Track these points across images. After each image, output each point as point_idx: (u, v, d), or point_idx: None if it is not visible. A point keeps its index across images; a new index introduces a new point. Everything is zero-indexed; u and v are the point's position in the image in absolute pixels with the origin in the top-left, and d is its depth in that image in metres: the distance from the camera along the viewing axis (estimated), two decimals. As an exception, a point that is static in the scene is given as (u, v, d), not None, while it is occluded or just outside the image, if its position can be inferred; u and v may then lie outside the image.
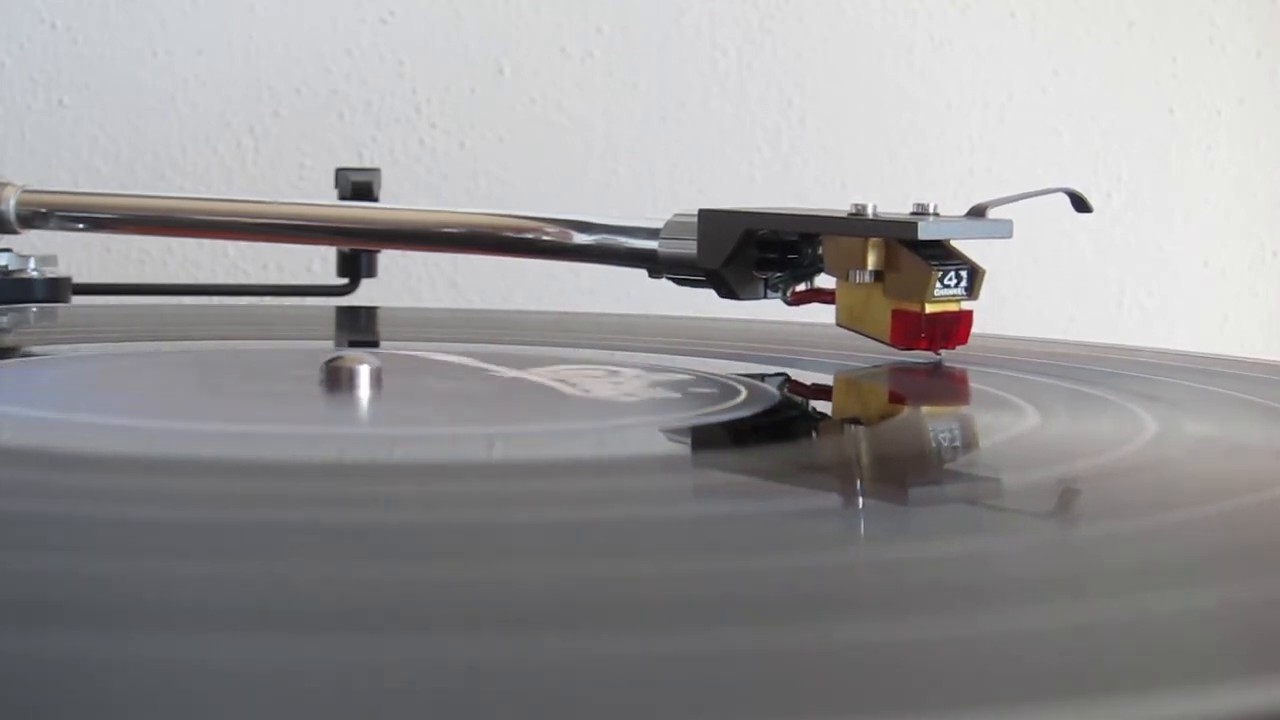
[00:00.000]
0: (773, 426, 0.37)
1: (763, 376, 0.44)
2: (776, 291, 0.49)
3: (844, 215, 0.46)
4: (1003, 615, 0.21)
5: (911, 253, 0.46)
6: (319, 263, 0.86)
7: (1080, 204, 0.47)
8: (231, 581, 0.22)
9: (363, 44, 0.91)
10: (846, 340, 0.48)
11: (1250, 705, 0.18)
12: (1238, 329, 1.00)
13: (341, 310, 0.67)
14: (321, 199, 0.63)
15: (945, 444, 0.37)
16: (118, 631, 0.19)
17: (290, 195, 0.86)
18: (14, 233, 0.59)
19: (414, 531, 0.26)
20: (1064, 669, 0.19)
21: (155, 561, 0.23)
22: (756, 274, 0.49)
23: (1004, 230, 0.47)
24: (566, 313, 0.71)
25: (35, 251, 0.60)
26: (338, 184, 0.66)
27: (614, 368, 0.45)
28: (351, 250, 0.67)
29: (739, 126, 0.94)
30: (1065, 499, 0.30)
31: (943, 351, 0.47)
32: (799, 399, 0.43)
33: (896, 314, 0.46)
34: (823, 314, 0.48)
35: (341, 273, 0.68)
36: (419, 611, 0.21)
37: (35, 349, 0.51)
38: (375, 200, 0.65)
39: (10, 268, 0.59)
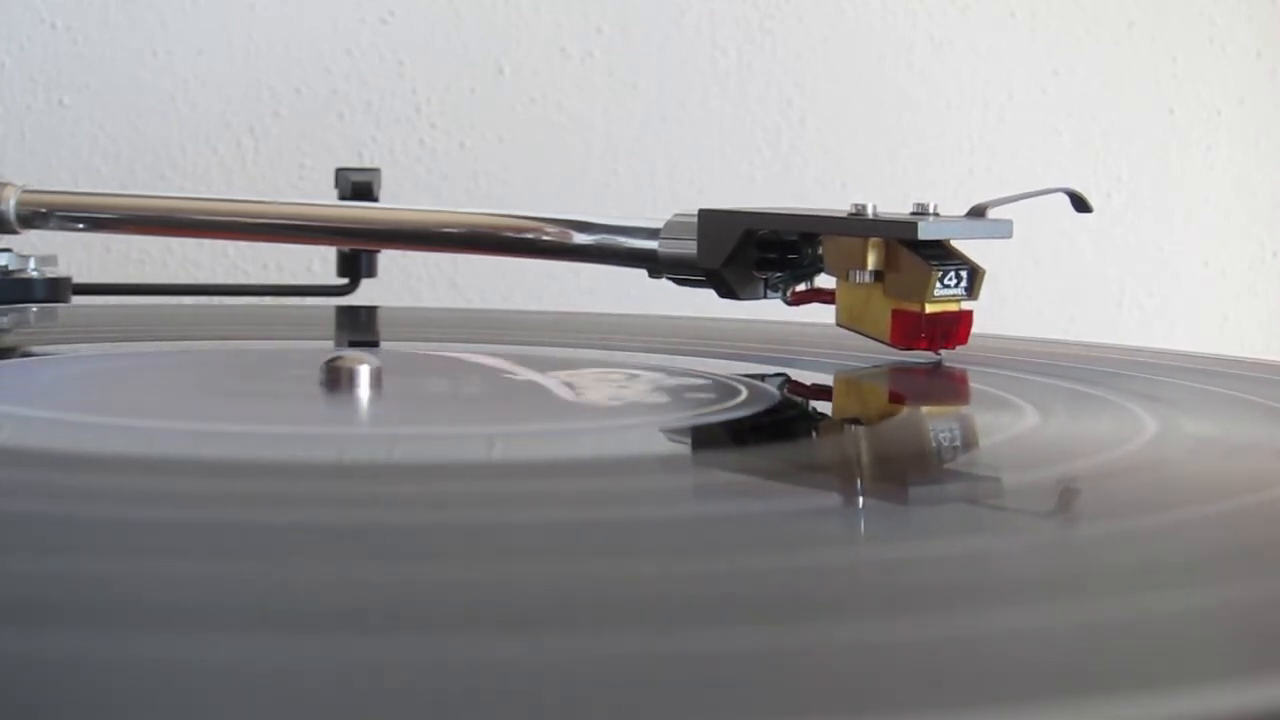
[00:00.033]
0: (773, 426, 0.37)
1: (763, 376, 0.44)
2: (776, 291, 0.49)
3: (844, 215, 0.46)
4: (1003, 615, 0.21)
5: (911, 253, 0.46)
6: (319, 263, 0.86)
7: (1080, 204, 0.47)
8: (231, 581, 0.22)
9: (363, 44, 0.91)
10: (846, 340, 0.48)
11: (1250, 705, 0.18)
12: (1238, 329, 1.00)
13: (341, 310, 0.67)
14: (321, 199, 0.63)
15: (945, 444, 0.37)
16: (118, 631, 0.19)
17: (290, 195, 0.86)
18: (14, 233, 0.59)
19: (414, 531, 0.26)
20: (1064, 669, 0.19)
21: (155, 561, 0.23)
22: (756, 274, 0.49)
23: (1004, 230, 0.47)
24: (566, 313, 0.71)
25: (35, 251, 0.60)
26: (338, 184, 0.66)
27: (635, 371, 0.45)
28: (351, 250, 0.67)
29: (739, 126, 0.94)
30: (1065, 499, 0.30)
31: (943, 351, 0.47)
32: (799, 399, 0.43)
33: (896, 314, 0.46)
34: (823, 314, 0.48)
35: (341, 273, 0.68)
36: (419, 611, 0.21)
37: (35, 349, 0.51)
38: (375, 200, 0.65)
39: (10, 268, 0.59)
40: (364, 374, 0.38)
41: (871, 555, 0.26)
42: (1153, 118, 0.98)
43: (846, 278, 0.47)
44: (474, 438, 0.35)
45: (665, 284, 0.52)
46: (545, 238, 0.53)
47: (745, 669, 0.19)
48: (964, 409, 0.43)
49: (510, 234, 0.54)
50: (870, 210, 0.46)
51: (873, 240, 0.46)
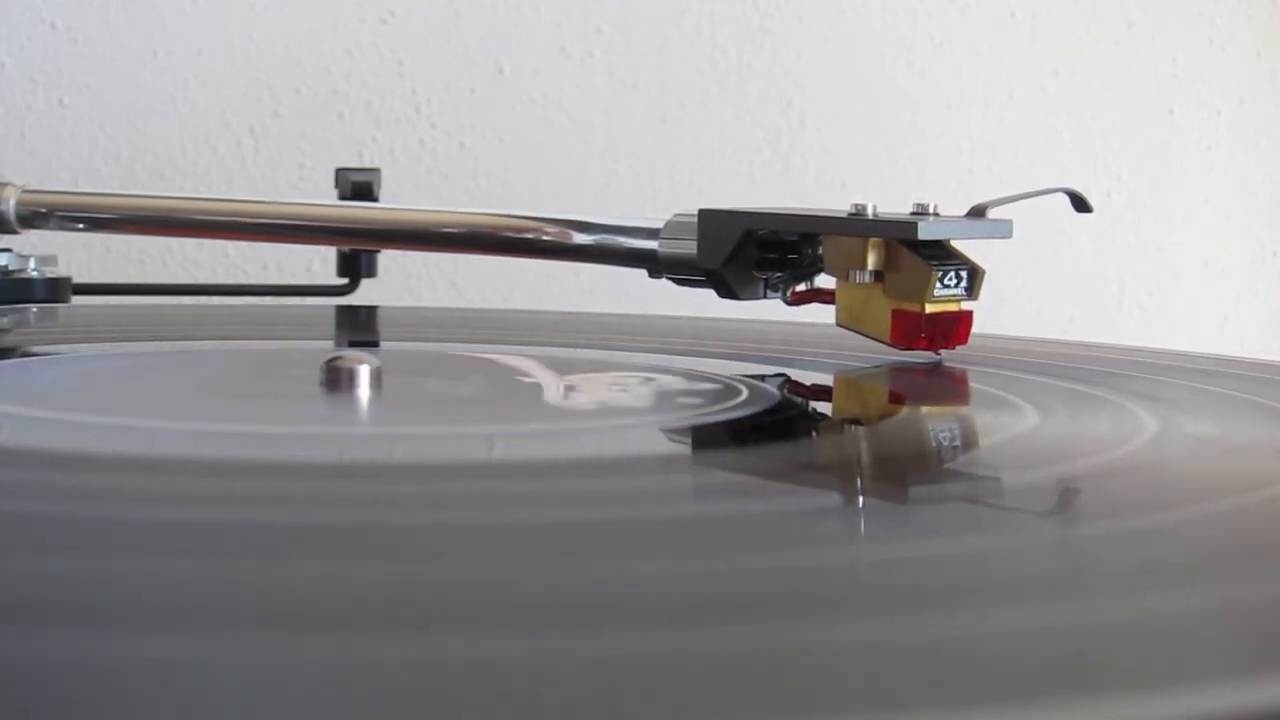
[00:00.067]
0: (773, 426, 0.37)
1: (762, 377, 0.44)
2: (776, 291, 0.49)
3: (844, 215, 0.46)
4: (1003, 615, 0.21)
5: (911, 253, 0.46)
6: (319, 263, 0.86)
7: (1080, 204, 0.47)
8: (231, 581, 0.22)
9: (363, 44, 0.91)
10: (846, 340, 0.48)
11: (1250, 705, 0.18)
12: (1238, 329, 1.00)
13: (341, 310, 0.67)
14: (321, 199, 0.63)
15: (945, 444, 0.37)
16: (118, 631, 0.19)
17: (290, 195, 0.86)
18: (14, 233, 0.59)
19: (414, 531, 0.26)
20: (1064, 669, 0.19)
21: (155, 561, 0.23)
22: (756, 274, 0.49)
23: (1004, 230, 0.47)
24: (567, 313, 0.71)
25: (35, 251, 0.60)
26: (338, 184, 0.66)
27: (651, 375, 0.45)
28: (351, 250, 0.67)
29: (739, 126, 0.94)
30: (1065, 498, 0.30)
31: (943, 351, 0.47)
32: (799, 399, 0.43)
33: (896, 314, 0.46)
34: (823, 314, 0.48)
35: (341, 273, 0.68)
36: (419, 611, 0.21)
37: (35, 349, 0.51)
38: (375, 200, 0.65)
39: (10, 268, 0.59)
40: (364, 374, 0.38)
41: (871, 555, 0.26)
42: (1153, 118, 0.98)
43: (846, 278, 0.47)
44: (474, 437, 0.35)
45: (665, 284, 0.52)
46: (545, 238, 0.53)
47: (745, 669, 0.19)
48: (964, 409, 0.43)
49: (510, 234, 0.54)
50: (870, 210, 0.46)
51: (873, 240, 0.46)
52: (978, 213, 0.46)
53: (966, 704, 0.18)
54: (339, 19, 0.90)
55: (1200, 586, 0.23)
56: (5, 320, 0.56)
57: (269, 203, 0.59)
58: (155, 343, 0.53)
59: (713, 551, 0.25)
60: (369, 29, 0.91)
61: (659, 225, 0.51)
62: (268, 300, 0.74)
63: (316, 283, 0.73)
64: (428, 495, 0.29)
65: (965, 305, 0.47)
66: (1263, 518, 0.28)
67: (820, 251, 0.48)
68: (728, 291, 0.49)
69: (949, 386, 0.45)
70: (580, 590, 0.22)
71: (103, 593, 0.21)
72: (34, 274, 0.59)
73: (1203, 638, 0.21)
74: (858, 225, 0.46)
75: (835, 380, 0.47)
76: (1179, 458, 0.34)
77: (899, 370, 0.46)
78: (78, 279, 0.61)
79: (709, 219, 0.49)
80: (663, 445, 0.35)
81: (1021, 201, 0.46)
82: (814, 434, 0.40)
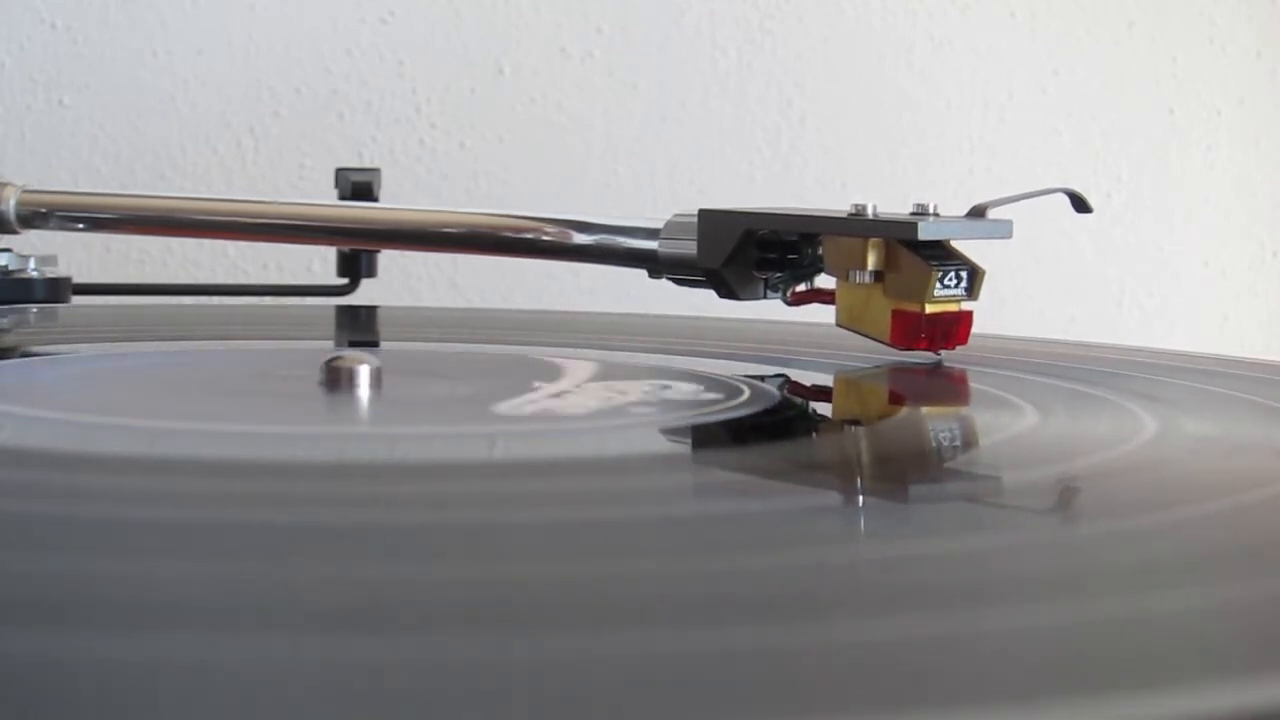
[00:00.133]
0: (773, 426, 0.37)
1: (762, 377, 0.44)
2: (776, 291, 0.49)
3: (844, 215, 0.46)
4: (1003, 614, 0.21)
5: (911, 253, 0.46)
6: (319, 263, 0.86)
7: (1080, 204, 0.47)
8: (231, 581, 0.22)
9: (363, 44, 0.91)
10: (846, 340, 0.48)
11: (1250, 705, 0.18)
12: (1238, 329, 1.00)
13: (341, 310, 0.67)
14: (321, 199, 0.63)
15: (945, 443, 0.37)
16: (118, 631, 0.19)
17: (290, 195, 0.86)
18: (14, 233, 0.59)
19: (414, 531, 0.26)
20: (1064, 668, 0.19)
21: (155, 561, 0.23)
22: (756, 274, 0.49)
23: (1004, 230, 0.47)
24: (567, 313, 0.71)
25: (35, 251, 0.60)
26: (338, 184, 0.66)
27: (667, 383, 0.45)
28: (351, 250, 0.67)
29: (739, 126, 0.94)
30: (1065, 498, 0.30)
31: (943, 351, 0.47)
32: (799, 399, 0.43)
33: (896, 314, 0.46)
34: (823, 314, 0.48)
35: (341, 273, 0.68)
36: (419, 611, 0.21)
37: (35, 349, 0.51)
38: (375, 200, 0.65)
39: (10, 268, 0.59)
40: (364, 374, 0.38)
41: (871, 554, 0.26)
42: (1153, 118, 0.98)
43: (846, 278, 0.47)
44: (474, 437, 0.35)
45: (665, 284, 0.52)
46: (545, 238, 0.53)
47: (745, 669, 0.19)
48: (964, 409, 0.43)
49: (510, 234, 0.54)
50: (870, 210, 0.46)
51: (873, 240, 0.46)
52: (978, 213, 0.46)
53: (966, 704, 0.18)
54: (339, 19, 0.90)
55: (1200, 586, 0.23)
56: (5, 320, 0.56)
57: (269, 203, 0.59)
58: (155, 343, 0.53)
59: (713, 551, 0.25)
60: (369, 29, 0.91)
61: (659, 225, 0.51)
62: (268, 300, 0.74)
63: (316, 283, 0.73)
64: (428, 495, 0.29)
65: (965, 305, 0.47)
66: (1263, 518, 0.28)
67: (820, 251, 0.48)
68: (728, 291, 0.49)
69: (949, 386, 0.45)
70: (580, 590, 0.22)
71: (103, 593, 0.21)
72: (34, 274, 0.59)
73: (1203, 638, 0.21)
74: (858, 225, 0.46)
75: (835, 380, 0.47)
76: (1179, 458, 0.34)
77: (899, 370, 0.46)
78: (78, 279, 0.61)
79: (709, 219, 0.49)
80: (663, 445, 0.35)
81: (1021, 201, 0.46)
82: (814, 434, 0.40)
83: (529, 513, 0.27)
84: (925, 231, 0.45)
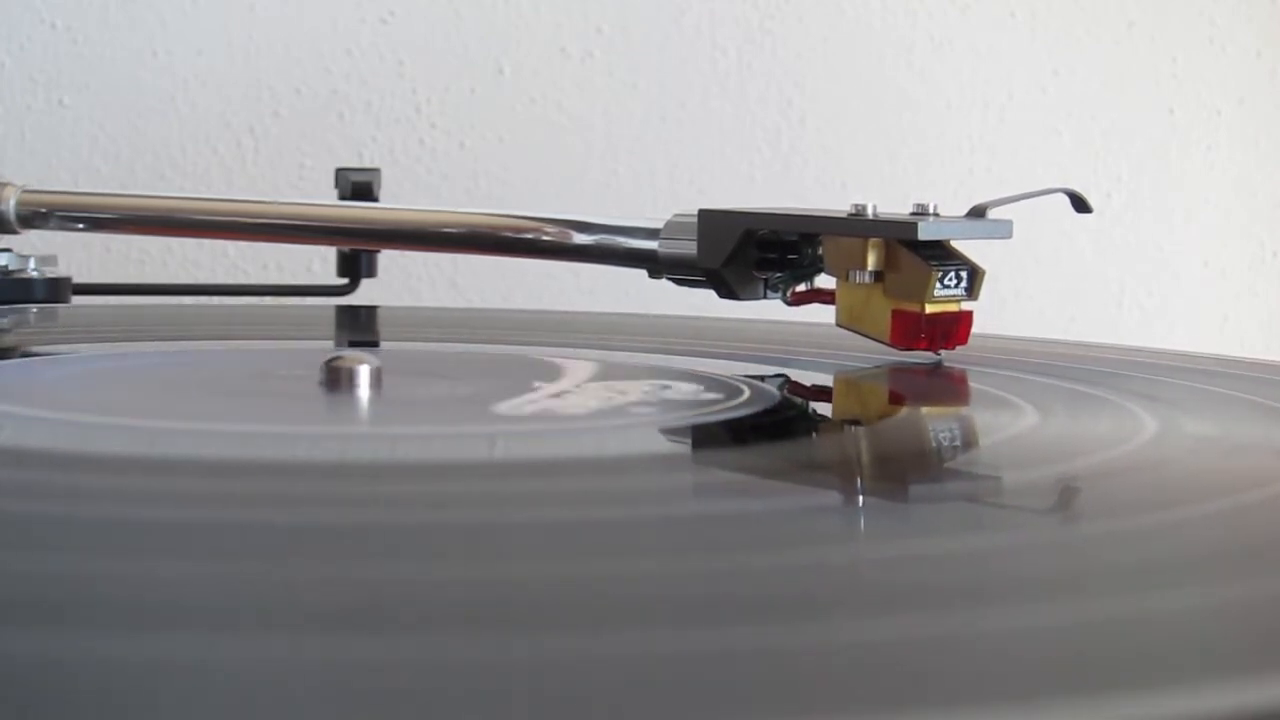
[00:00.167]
0: (773, 426, 0.37)
1: (762, 377, 0.44)
2: (776, 291, 0.49)
3: (844, 215, 0.46)
4: (1003, 614, 0.21)
5: (911, 253, 0.46)
6: (319, 263, 0.86)
7: (1080, 204, 0.47)
8: (231, 581, 0.22)
9: (363, 44, 0.91)
10: (846, 340, 0.48)
11: (1250, 705, 0.18)
12: (1238, 329, 1.00)
13: (341, 310, 0.67)
14: (321, 199, 0.63)
15: (945, 443, 0.37)
16: (118, 631, 0.19)
17: (290, 195, 0.86)
18: (14, 233, 0.59)
19: (414, 531, 0.26)
20: (1063, 668, 0.19)
21: (155, 561, 0.23)
22: (756, 274, 0.49)
23: (1004, 230, 0.47)
24: (567, 313, 0.71)
25: (35, 251, 0.60)
26: (338, 184, 0.66)
27: (667, 383, 0.45)
28: (351, 250, 0.67)
29: (739, 126, 0.94)
30: (1065, 498, 0.30)
31: (943, 351, 0.47)
32: (799, 399, 0.43)
33: (896, 314, 0.46)
34: (823, 314, 0.48)
35: (341, 273, 0.68)
36: (419, 611, 0.21)
37: (35, 349, 0.51)
38: (375, 200, 0.65)
39: (10, 268, 0.59)
40: (364, 374, 0.38)
41: (871, 554, 0.26)
42: (1153, 118, 0.98)
43: (846, 278, 0.47)
44: (474, 437, 0.35)
45: (665, 284, 0.52)
46: (545, 238, 0.53)
47: (745, 669, 0.19)
48: (964, 409, 0.43)
49: (510, 234, 0.54)
50: (870, 210, 0.46)
51: (873, 240, 0.46)
52: (978, 213, 0.46)
53: (966, 704, 0.18)
54: (339, 19, 0.90)
55: (1200, 586, 0.23)
56: (5, 320, 0.56)
57: (269, 203, 0.59)
58: (155, 343, 0.53)
59: (713, 551, 0.25)
60: (369, 29, 0.91)
61: (659, 225, 0.51)
62: (268, 300, 0.74)
63: (316, 283, 0.73)
64: (428, 495, 0.29)
65: (965, 305, 0.47)
66: (1263, 518, 0.28)
67: (820, 251, 0.48)
68: (728, 291, 0.49)
69: (949, 386, 0.45)
70: (580, 590, 0.22)
71: (103, 593, 0.21)
72: (34, 274, 0.59)
73: (1203, 638, 0.21)
74: (858, 225, 0.46)
75: (835, 380, 0.47)
76: (1179, 458, 0.34)
77: (899, 370, 0.46)
78: (78, 279, 0.61)
79: (709, 219, 0.49)
80: (663, 445, 0.35)
81: (1021, 201, 0.46)
82: (814, 434, 0.40)
83: (529, 513, 0.27)
84: (925, 231, 0.45)
